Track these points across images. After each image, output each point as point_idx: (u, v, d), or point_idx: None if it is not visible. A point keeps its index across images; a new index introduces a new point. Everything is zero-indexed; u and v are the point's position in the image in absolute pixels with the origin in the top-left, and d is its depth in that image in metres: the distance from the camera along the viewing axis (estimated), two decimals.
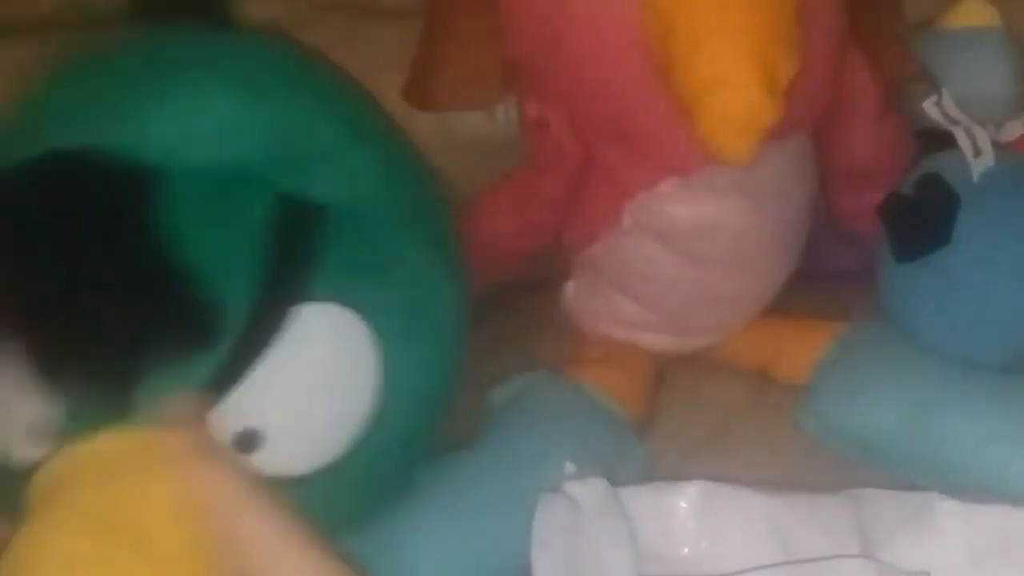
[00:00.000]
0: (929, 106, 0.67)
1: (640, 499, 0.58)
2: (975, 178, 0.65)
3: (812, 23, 0.59)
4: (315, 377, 0.47)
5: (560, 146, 0.66)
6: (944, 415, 0.62)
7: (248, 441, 0.46)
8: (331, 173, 0.50)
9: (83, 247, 0.44)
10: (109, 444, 0.44)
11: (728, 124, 0.55)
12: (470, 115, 0.72)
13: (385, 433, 0.50)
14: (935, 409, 0.63)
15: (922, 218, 0.65)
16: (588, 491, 0.57)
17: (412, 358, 0.51)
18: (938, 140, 0.68)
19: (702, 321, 0.70)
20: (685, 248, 0.65)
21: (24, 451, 0.46)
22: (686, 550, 0.58)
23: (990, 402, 0.62)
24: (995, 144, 0.66)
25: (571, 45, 0.62)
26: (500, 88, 0.69)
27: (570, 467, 0.58)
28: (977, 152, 0.65)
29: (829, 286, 0.75)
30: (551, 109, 0.65)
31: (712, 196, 0.64)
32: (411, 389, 0.51)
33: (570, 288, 0.70)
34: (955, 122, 0.66)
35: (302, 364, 0.47)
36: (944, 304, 0.65)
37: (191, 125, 0.48)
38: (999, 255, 0.64)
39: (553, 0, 0.62)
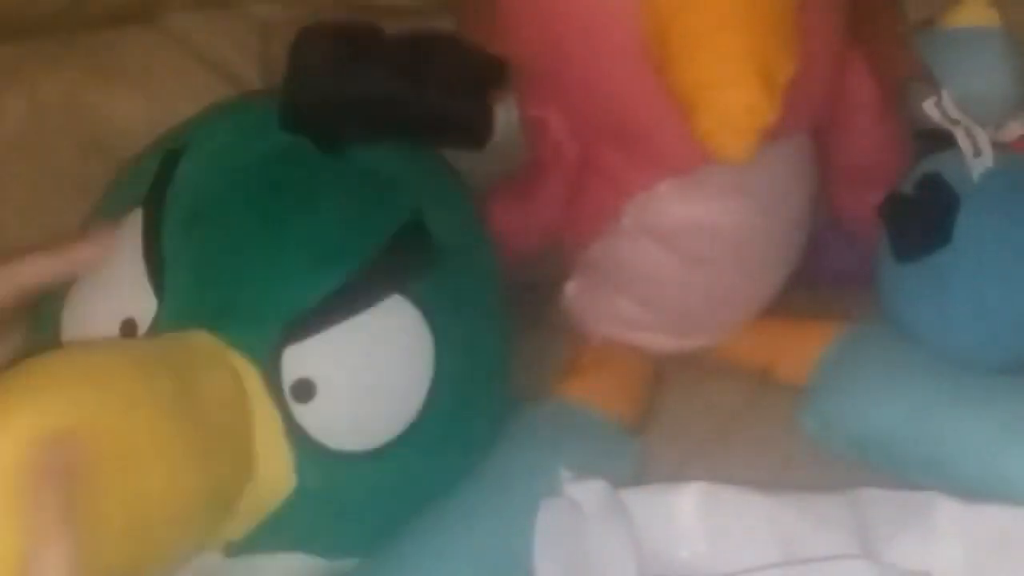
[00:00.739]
0: (929, 106, 0.67)
1: (640, 500, 0.58)
2: (975, 178, 0.65)
3: (812, 23, 0.59)
4: (378, 359, 0.52)
5: (559, 146, 0.66)
6: (944, 416, 0.62)
7: (303, 391, 0.50)
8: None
9: None
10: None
11: (727, 124, 0.55)
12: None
13: (420, 446, 0.54)
14: (935, 410, 0.63)
15: (922, 218, 0.65)
16: (589, 493, 0.57)
17: (461, 341, 0.55)
18: (938, 140, 0.68)
19: (702, 321, 0.70)
20: (684, 248, 0.66)
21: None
22: (686, 551, 0.58)
23: (990, 403, 0.62)
24: (995, 144, 0.66)
25: (569, 45, 0.62)
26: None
27: (567, 474, 0.58)
28: (977, 152, 0.65)
29: (830, 287, 0.75)
30: (550, 109, 0.65)
31: (711, 196, 0.64)
32: (462, 373, 0.55)
33: (570, 288, 0.70)
34: (955, 122, 0.66)
35: (371, 343, 0.51)
36: (943, 304, 0.65)
37: None
38: (998, 255, 0.64)
39: (551, 0, 0.62)
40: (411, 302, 0.53)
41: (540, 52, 0.64)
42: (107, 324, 0.51)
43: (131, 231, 0.53)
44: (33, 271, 0.50)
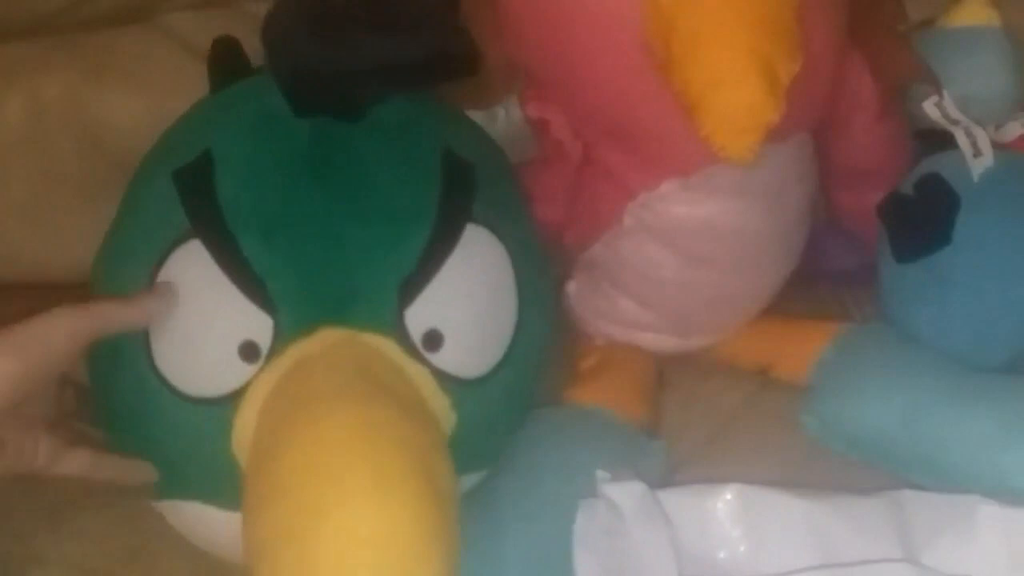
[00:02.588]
0: (929, 106, 0.67)
1: (677, 501, 0.59)
2: (975, 178, 0.66)
3: (813, 22, 0.59)
4: (476, 286, 0.57)
5: (561, 146, 0.66)
6: (944, 415, 0.62)
7: (432, 340, 0.55)
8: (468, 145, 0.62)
9: None
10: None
11: (730, 123, 0.55)
12: (470, 115, 0.72)
13: (525, 346, 0.59)
14: (935, 409, 0.63)
15: (922, 218, 0.66)
16: (627, 494, 0.57)
17: (533, 282, 0.61)
18: (938, 140, 0.68)
19: (702, 321, 0.70)
20: (686, 248, 0.65)
21: (233, 374, 0.53)
22: (723, 553, 0.58)
23: (990, 402, 0.62)
24: (995, 144, 0.67)
25: (571, 45, 0.62)
26: (501, 88, 0.69)
27: (603, 475, 0.58)
28: (977, 152, 0.66)
29: (829, 286, 0.75)
30: (552, 109, 0.65)
31: (713, 196, 0.64)
32: (537, 310, 0.61)
33: (571, 288, 0.70)
34: (955, 122, 0.67)
35: (467, 274, 0.56)
36: (944, 304, 0.65)
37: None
38: (998, 255, 0.64)
39: (553, 0, 0.62)
40: (480, 224, 0.57)
41: (542, 52, 0.63)
42: (223, 355, 0.54)
43: (197, 264, 0.54)
44: (113, 316, 0.54)
